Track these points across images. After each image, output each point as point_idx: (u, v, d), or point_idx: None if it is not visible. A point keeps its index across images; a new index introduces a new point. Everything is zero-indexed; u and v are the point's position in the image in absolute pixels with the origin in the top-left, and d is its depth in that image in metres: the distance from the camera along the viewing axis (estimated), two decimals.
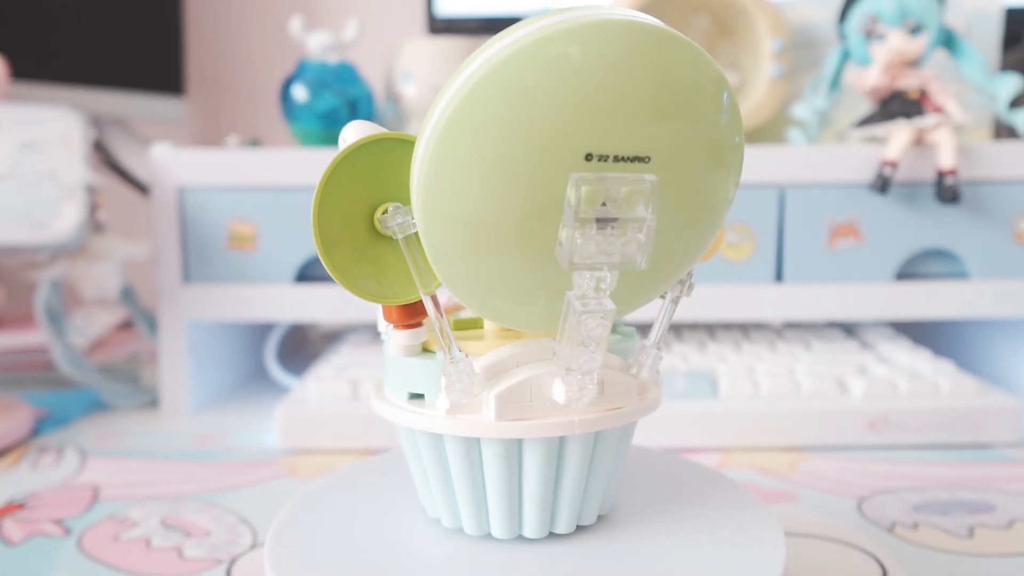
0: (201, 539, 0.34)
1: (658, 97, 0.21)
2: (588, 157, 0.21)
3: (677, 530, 0.26)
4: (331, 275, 0.24)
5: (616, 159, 0.21)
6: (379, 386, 0.27)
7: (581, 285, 0.21)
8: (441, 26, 0.75)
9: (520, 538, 0.26)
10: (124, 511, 0.38)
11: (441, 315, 0.24)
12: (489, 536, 0.26)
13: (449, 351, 0.23)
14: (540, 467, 0.24)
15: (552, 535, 0.26)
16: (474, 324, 0.28)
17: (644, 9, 0.60)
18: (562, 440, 0.24)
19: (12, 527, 0.36)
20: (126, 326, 0.76)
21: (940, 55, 0.56)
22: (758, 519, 0.27)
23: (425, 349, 0.26)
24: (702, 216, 0.23)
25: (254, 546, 0.34)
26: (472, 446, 0.24)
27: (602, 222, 0.20)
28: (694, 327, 0.59)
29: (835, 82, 0.56)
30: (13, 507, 0.38)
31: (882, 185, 0.49)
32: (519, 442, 0.24)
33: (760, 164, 0.51)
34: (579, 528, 0.26)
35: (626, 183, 0.20)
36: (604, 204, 0.20)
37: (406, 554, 0.25)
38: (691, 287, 0.25)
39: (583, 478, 0.25)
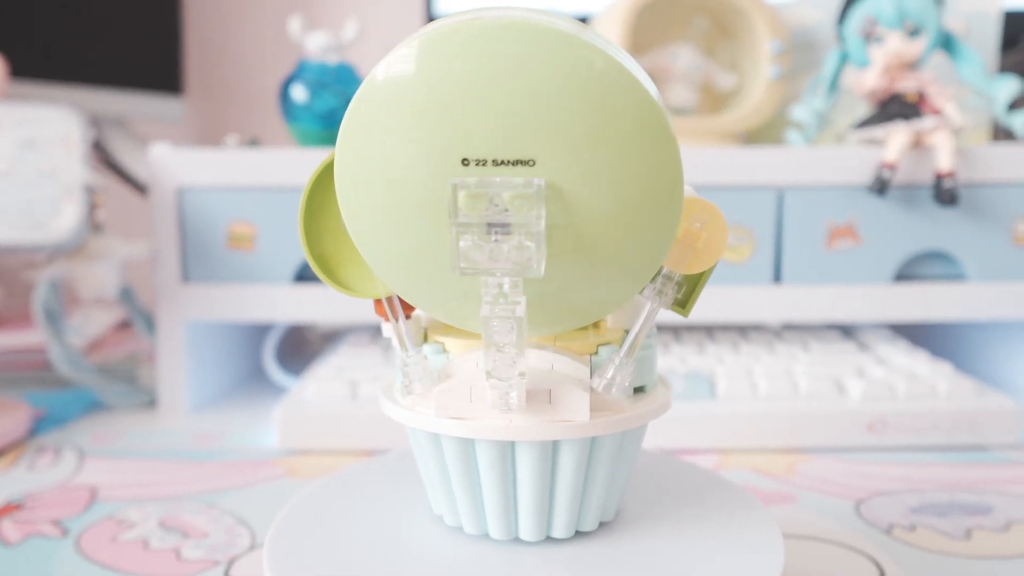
0: (199, 540, 0.34)
1: (544, 101, 0.20)
2: (465, 162, 0.20)
3: (675, 533, 0.26)
4: (317, 275, 0.25)
5: (496, 163, 0.20)
6: (389, 384, 0.27)
7: (486, 291, 0.21)
8: None
9: (519, 539, 0.26)
10: (122, 512, 0.38)
11: (397, 313, 0.25)
12: (488, 536, 0.26)
13: (404, 347, 0.24)
14: (533, 471, 0.24)
15: (551, 538, 0.26)
16: None
17: (644, 11, 0.60)
18: (555, 445, 0.24)
19: (10, 528, 0.36)
20: (124, 326, 0.76)
21: (938, 57, 0.56)
22: (757, 521, 0.27)
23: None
24: (627, 223, 0.21)
25: (252, 547, 0.34)
26: (468, 446, 0.24)
27: (491, 227, 0.20)
28: (692, 329, 0.59)
29: (833, 84, 0.56)
30: (11, 508, 0.38)
31: (880, 187, 0.49)
32: (512, 445, 0.24)
33: (759, 165, 0.51)
34: (578, 532, 0.26)
35: (509, 188, 0.20)
36: (493, 209, 0.20)
37: (406, 555, 0.25)
38: (671, 297, 0.24)
39: (579, 484, 0.25)
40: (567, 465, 0.24)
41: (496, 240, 0.20)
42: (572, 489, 0.25)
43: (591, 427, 0.23)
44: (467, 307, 0.23)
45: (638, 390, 0.26)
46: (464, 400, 0.23)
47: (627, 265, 0.23)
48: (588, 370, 0.24)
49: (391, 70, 0.20)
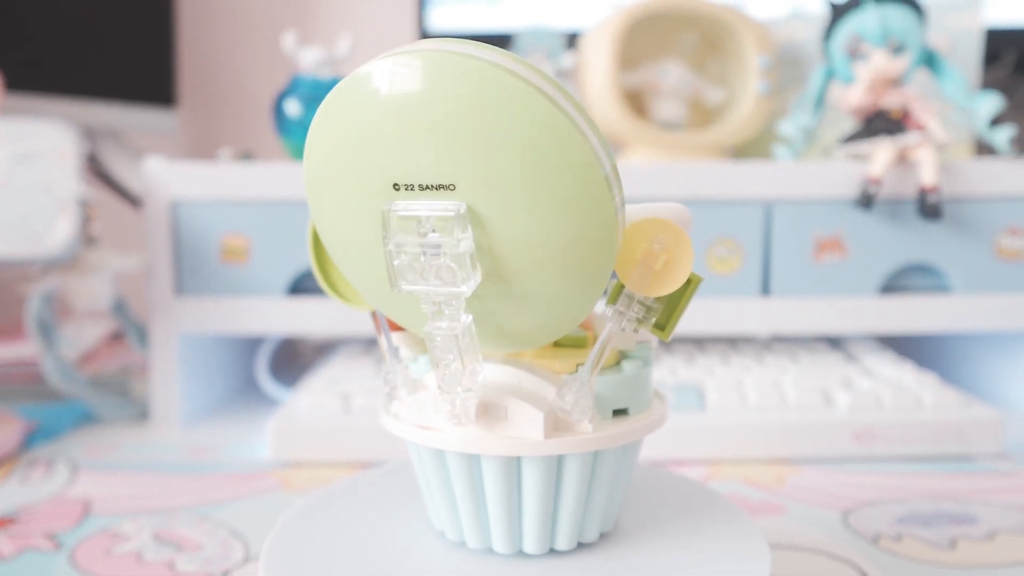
0: (193, 553, 0.35)
1: (459, 128, 0.20)
2: (396, 186, 0.21)
3: (662, 545, 0.26)
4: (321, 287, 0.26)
5: (422, 187, 0.21)
6: (388, 399, 0.28)
7: (426, 308, 0.22)
8: None
9: (521, 553, 0.26)
10: (116, 525, 0.38)
11: (380, 324, 0.27)
12: (491, 550, 0.26)
13: (387, 358, 0.26)
14: (538, 484, 0.24)
15: (553, 551, 0.26)
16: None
17: (635, 26, 0.61)
18: (560, 459, 0.25)
19: (3, 541, 0.36)
20: (116, 338, 0.76)
21: (922, 74, 0.57)
22: (744, 533, 0.27)
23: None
24: (552, 254, 0.21)
25: (247, 560, 0.34)
26: (473, 461, 0.25)
27: (423, 248, 0.21)
28: (682, 340, 0.59)
29: (820, 100, 0.57)
30: (4, 521, 0.38)
31: (866, 201, 0.50)
32: (518, 459, 0.24)
33: (747, 180, 0.51)
34: (579, 545, 0.26)
35: (431, 211, 0.21)
36: (421, 231, 0.21)
37: (405, 568, 0.25)
38: (636, 320, 0.24)
39: (583, 496, 0.25)
40: (571, 477, 0.25)
41: (424, 260, 0.22)
42: (576, 501, 0.25)
43: (551, 446, 0.24)
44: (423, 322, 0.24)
45: (620, 412, 0.25)
46: (430, 411, 0.25)
47: (559, 295, 0.23)
48: (550, 388, 0.24)
49: (329, 103, 0.22)
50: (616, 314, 0.23)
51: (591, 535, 0.26)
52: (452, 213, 0.21)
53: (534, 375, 0.25)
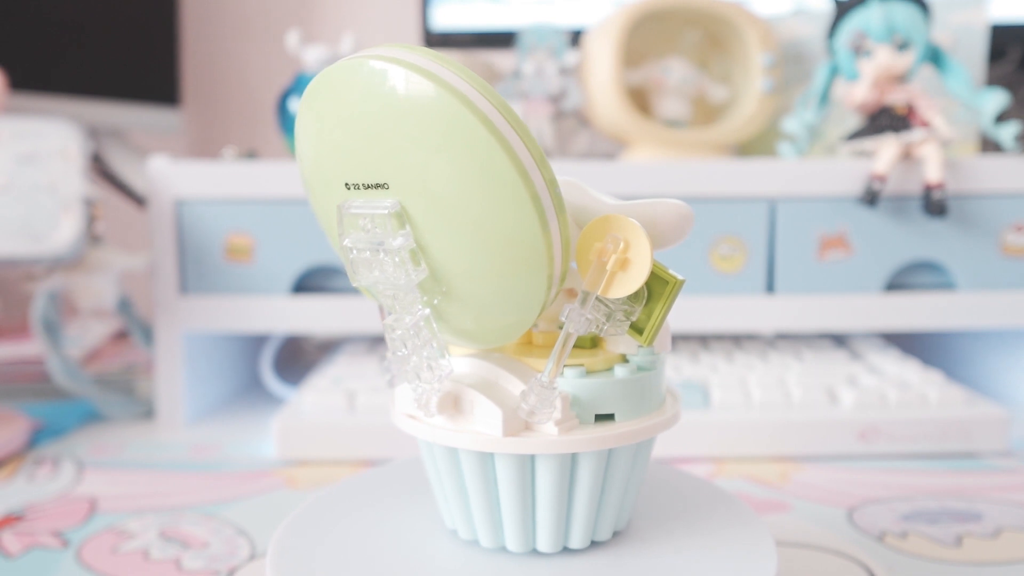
0: (199, 551, 0.35)
1: (387, 129, 0.21)
2: (347, 186, 0.22)
3: (673, 545, 0.26)
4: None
5: (366, 187, 0.22)
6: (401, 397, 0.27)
7: (381, 301, 0.23)
8: (436, 40, 0.75)
9: (535, 552, 0.26)
10: (122, 523, 0.38)
11: (385, 315, 0.26)
12: (504, 549, 0.26)
13: (390, 348, 0.27)
14: (552, 482, 0.24)
15: (567, 550, 0.26)
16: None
17: (638, 23, 0.61)
18: (574, 457, 0.25)
19: (11, 539, 0.36)
20: (120, 336, 0.76)
21: (927, 70, 0.57)
22: (750, 531, 0.27)
23: None
24: (482, 255, 0.22)
25: (252, 557, 0.34)
26: (487, 459, 0.25)
27: (369, 243, 0.22)
28: (687, 338, 0.59)
29: (824, 97, 0.57)
30: (11, 519, 0.38)
31: (871, 198, 0.50)
32: (532, 457, 0.24)
33: (751, 177, 0.51)
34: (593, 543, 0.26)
35: (368, 209, 0.22)
36: (364, 229, 0.22)
37: (417, 567, 0.25)
38: (597, 321, 0.23)
39: (596, 494, 0.25)
40: (585, 475, 0.25)
41: (369, 255, 0.23)
42: (589, 498, 0.25)
43: (562, 444, 0.23)
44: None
45: (604, 418, 0.25)
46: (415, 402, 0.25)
47: (493, 298, 0.23)
48: (517, 387, 0.24)
49: (297, 107, 0.23)
50: (573, 314, 0.23)
51: (604, 534, 0.26)
52: (385, 211, 0.22)
53: (512, 375, 0.24)
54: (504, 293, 0.23)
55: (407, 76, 0.20)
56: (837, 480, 0.43)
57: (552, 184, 0.21)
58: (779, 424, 0.46)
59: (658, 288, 0.23)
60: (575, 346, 0.26)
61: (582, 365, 0.25)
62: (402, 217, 0.22)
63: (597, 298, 0.23)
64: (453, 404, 0.24)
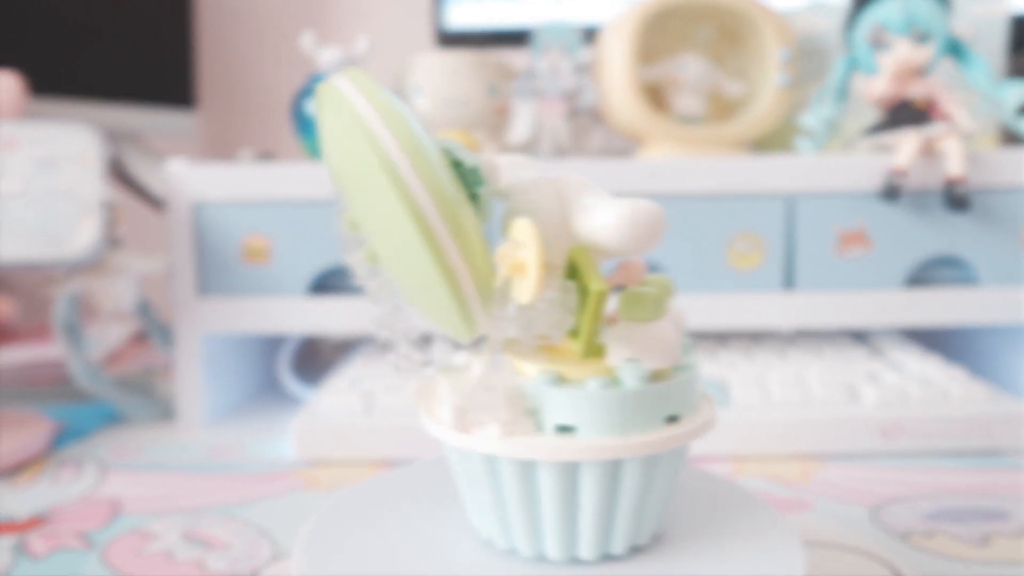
0: (223, 552, 0.35)
1: (335, 147, 0.24)
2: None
3: (707, 548, 0.26)
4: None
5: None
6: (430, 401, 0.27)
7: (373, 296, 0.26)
8: (450, 40, 0.75)
9: (575, 559, 0.26)
10: (145, 524, 0.38)
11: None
12: (543, 558, 0.26)
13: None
14: (597, 488, 0.24)
15: (608, 556, 0.26)
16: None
17: (653, 20, 0.60)
18: (616, 463, 0.24)
19: (36, 541, 0.36)
20: (140, 339, 0.77)
21: (947, 63, 0.56)
22: (776, 532, 0.27)
23: None
24: (399, 262, 0.24)
25: (275, 558, 0.34)
26: (528, 467, 0.24)
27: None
28: (705, 336, 0.59)
29: (842, 91, 0.57)
30: (36, 521, 0.39)
31: (891, 193, 0.49)
32: (575, 465, 0.24)
33: (768, 173, 0.51)
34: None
35: (340, 214, 0.25)
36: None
37: (441, 569, 0.25)
38: (517, 324, 0.23)
39: (640, 500, 0.25)
40: (629, 480, 0.24)
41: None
42: (634, 505, 0.25)
43: (564, 451, 0.23)
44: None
45: (566, 429, 0.24)
46: (435, 399, 0.26)
47: (433, 311, 0.24)
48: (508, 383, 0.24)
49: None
50: (501, 319, 0.23)
51: (644, 538, 0.26)
52: (343, 216, 0.25)
53: (506, 375, 0.24)
54: (436, 309, 0.24)
55: (335, 97, 0.23)
56: (859, 478, 0.42)
57: (446, 208, 0.22)
58: (800, 422, 0.46)
59: (585, 296, 0.23)
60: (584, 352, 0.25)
61: (558, 372, 0.24)
62: (350, 218, 0.25)
63: (520, 305, 0.22)
64: (431, 394, 0.26)
